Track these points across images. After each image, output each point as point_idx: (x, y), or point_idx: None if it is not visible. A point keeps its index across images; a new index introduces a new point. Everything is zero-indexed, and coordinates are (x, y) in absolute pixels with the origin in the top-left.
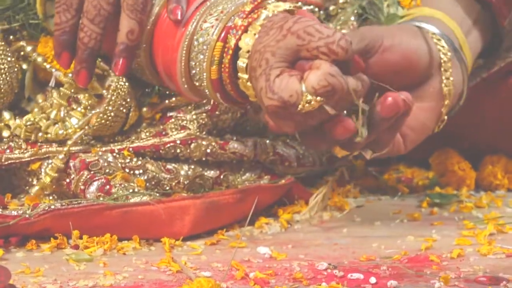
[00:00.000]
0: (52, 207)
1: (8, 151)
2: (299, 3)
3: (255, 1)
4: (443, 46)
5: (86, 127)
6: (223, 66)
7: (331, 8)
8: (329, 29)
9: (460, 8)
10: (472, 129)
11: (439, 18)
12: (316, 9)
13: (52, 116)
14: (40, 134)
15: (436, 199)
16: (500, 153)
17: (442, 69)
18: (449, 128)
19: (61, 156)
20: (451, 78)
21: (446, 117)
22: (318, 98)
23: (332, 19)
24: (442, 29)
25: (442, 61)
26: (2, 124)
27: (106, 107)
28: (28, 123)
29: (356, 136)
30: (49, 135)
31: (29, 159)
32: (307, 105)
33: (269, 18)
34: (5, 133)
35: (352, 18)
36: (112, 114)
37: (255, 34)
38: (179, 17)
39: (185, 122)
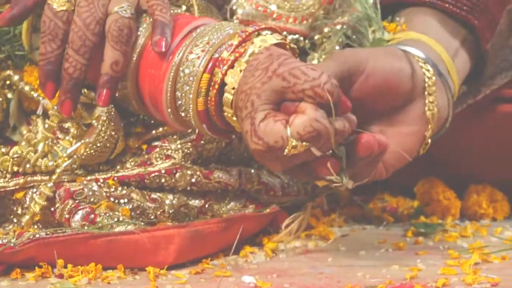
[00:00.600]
0: (37, 236)
1: None
2: (284, 33)
3: (242, 33)
4: (428, 70)
5: (75, 156)
6: (209, 98)
7: (316, 37)
8: (315, 71)
9: (446, 32)
10: (459, 156)
11: (425, 42)
12: (301, 38)
13: (39, 148)
14: (28, 166)
15: (421, 228)
16: (485, 182)
17: (426, 92)
18: (436, 155)
19: (50, 184)
20: (435, 102)
21: (430, 141)
22: (304, 143)
23: (317, 48)
24: (428, 52)
25: (426, 84)
26: None
27: (97, 138)
28: (15, 155)
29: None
30: (37, 168)
31: (13, 188)
32: (292, 149)
33: (255, 56)
34: None
35: (337, 47)
36: (102, 144)
37: (240, 71)
38: (163, 49)
39: (170, 151)
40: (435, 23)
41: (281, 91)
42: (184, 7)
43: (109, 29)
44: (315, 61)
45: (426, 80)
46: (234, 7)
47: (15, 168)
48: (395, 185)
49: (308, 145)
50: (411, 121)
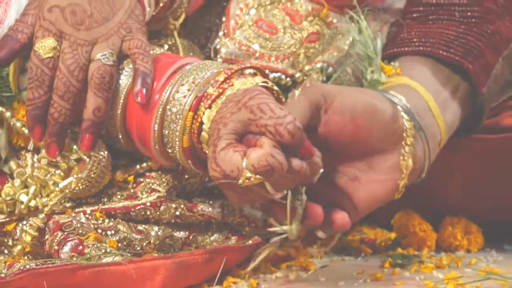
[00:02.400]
0: (28, 266)
1: None
2: (267, 71)
3: (228, 70)
4: (408, 121)
5: (67, 190)
6: (192, 131)
7: (297, 75)
8: (282, 111)
9: (437, 80)
10: (434, 189)
11: (415, 88)
12: (283, 76)
13: (31, 191)
14: (22, 207)
15: (398, 259)
16: (460, 215)
17: (403, 142)
18: (412, 188)
19: (42, 216)
20: (411, 154)
21: (404, 189)
22: (257, 176)
23: (298, 86)
24: (415, 100)
25: (404, 134)
26: None
27: (89, 173)
28: (8, 198)
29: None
30: (32, 207)
31: (4, 220)
32: (246, 181)
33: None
34: None
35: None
36: (93, 180)
37: (216, 112)
38: (144, 101)
39: (155, 185)
40: (427, 71)
41: (246, 123)
42: (166, 46)
43: (92, 77)
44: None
45: (405, 130)
46: (218, 46)
47: (9, 209)
48: (373, 217)
49: (261, 178)
50: (386, 169)
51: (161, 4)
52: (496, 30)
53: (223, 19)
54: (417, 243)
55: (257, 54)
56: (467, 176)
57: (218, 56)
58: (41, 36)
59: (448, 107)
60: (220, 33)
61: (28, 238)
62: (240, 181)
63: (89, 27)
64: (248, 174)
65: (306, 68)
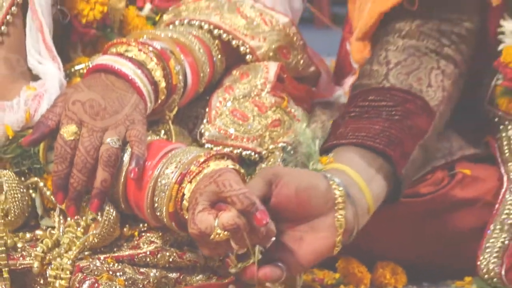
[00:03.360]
0: None
1: (21, 258)
2: (240, 149)
3: (208, 154)
4: (340, 190)
5: (86, 243)
6: (177, 200)
7: (264, 152)
8: (238, 186)
9: (364, 162)
10: (369, 241)
11: (344, 170)
12: (253, 153)
13: (62, 249)
14: (53, 262)
15: None
16: (389, 260)
17: (336, 207)
18: (353, 241)
19: (69, 262)
20: (343, 216)
21: (340, 245)
22: (226, 232)
23: (264, 161)
24: (344, 178)
25: (336, 201)
26: (17, 238)
27: (101, 229)
28: (44, 262)
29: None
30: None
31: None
32: (217, 236)
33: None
34: (19, 244)
35: (279, 159)
36: (106, 234)
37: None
38: (136, 177)
39: (154, 238)
40: (356, 157)
41: (215, 194)
42: (163, 131)
43: (102, 155)
44: None
45: (337, 198)
46: (202, 131)
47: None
48: (322, 261)
49: (229, 235)
50: (324, 228)
51: (159, 101)
52: (413, 124)
53: (207, 109)
54: (356, 282)
55: (232, 136)
56: (394, 231)
57: (203, 138)
58: (66, 123)
59: (373, 180)
60: (204, 121)
61: (63, 284)
62: (212, 236)
63: (103, 118)
64: (219, 231)
65: (271, 147)
